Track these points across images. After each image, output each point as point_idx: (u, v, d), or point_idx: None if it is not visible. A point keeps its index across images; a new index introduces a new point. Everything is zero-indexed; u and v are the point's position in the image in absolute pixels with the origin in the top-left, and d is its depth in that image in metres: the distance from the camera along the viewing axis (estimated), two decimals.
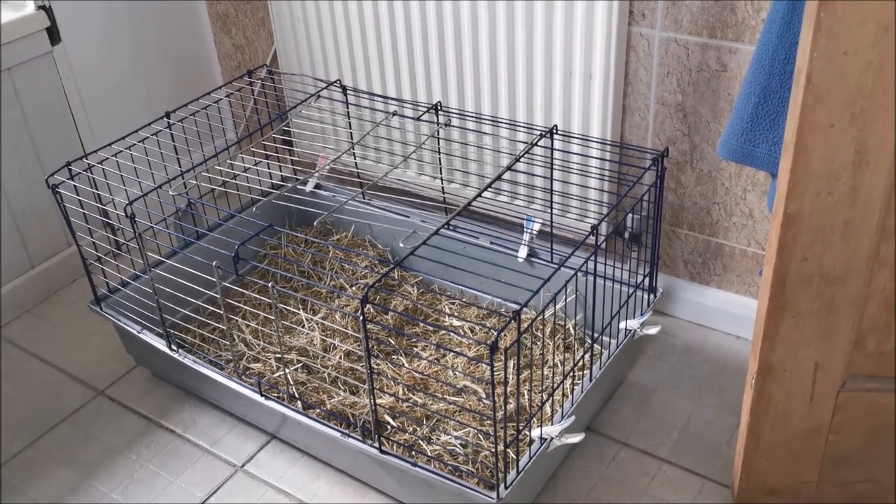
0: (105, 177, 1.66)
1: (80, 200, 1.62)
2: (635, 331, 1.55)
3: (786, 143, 1.09)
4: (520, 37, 1.69)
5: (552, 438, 1.35)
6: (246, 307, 1.72)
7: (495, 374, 1.43)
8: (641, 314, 1.59)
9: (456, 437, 1.47)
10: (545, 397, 1.46)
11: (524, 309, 1.23)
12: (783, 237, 1.13)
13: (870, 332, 1.20)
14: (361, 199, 1.97)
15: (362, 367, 1.64)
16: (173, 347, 1.63)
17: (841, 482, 1.36)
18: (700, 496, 1.49)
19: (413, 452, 1.44)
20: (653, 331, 1.54)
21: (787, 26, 1.17)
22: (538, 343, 1.66)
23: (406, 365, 1.66)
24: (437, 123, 1.75)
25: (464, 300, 1.84)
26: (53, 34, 1.94)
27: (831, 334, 1.21)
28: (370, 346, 1.32)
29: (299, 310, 1.78)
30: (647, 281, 1.63)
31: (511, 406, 1.49)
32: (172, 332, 1.64)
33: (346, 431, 1.44)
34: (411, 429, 1.51)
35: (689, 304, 1.85)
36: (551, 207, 1.69)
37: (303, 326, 1.75)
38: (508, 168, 1.52)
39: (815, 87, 1.02)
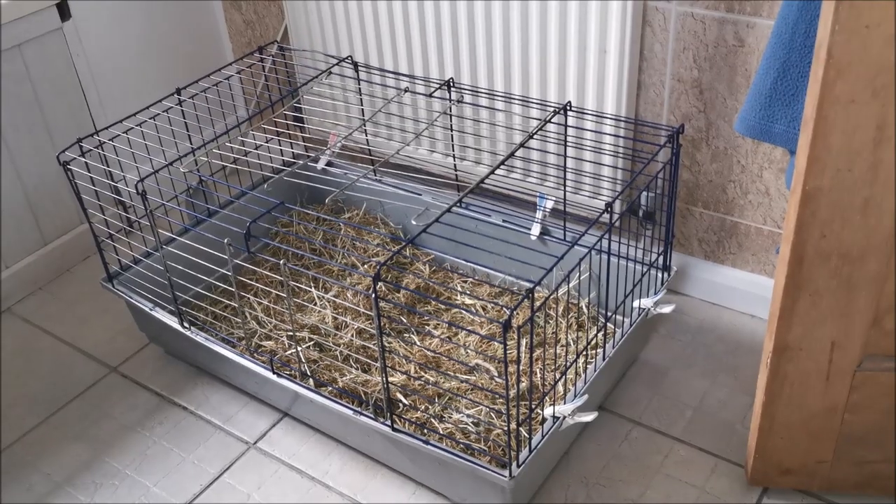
0: (116, 154, 1.65)
1: (91, 177, 1.62)
2: (649, 309, 1.54)
3: (805, 119, 1.07)
4: (533, 11, 1.67)
5: (565, 417, 1.34)
6: (258, 285, 1.71)
7: (508, 352, 1.42)
8: (655, 293, 1.57)
9: (468, 416, 1.47)
10: (558, 376, 1.45)
11: (537, 287, 1.22)
12: (801, 214, 1.12)
13: (888, 311, 1.18)
14: (373, 176, 1.96)
15: (374, 344, 1.64)
16: (185, 325, 1.63)
17: (856, 461, 1.35)
18: (713, 475, 1.49)
19: (425, 430, 1.44)
20: (667, 309, 1.53)
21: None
22: (551, 321, 1.65)
23: (418, 343, 1.65)
24: (450, 100, 1.73)
25: (476, 278, 1.83)
26: (63, 10, 1.92)
27: (849, 313, 1.19)
28: (382, 323, 1.31)
29: (311, 287, 1.77)
30: (661, 259, 1.62)
31: (523, 384, 1.48)
32: (184, 309, 1.64)
33: (359, 409, 1.44)
34: (423, 407, 1.51)
35: (704, 283, 1.84)
36: (564, 185, 1.68)
37: (314, 304, 1.74)
38: (521, 145, 1.50)
39: (837, 62, 1.00)
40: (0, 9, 1.78)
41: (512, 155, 1.49)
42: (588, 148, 1.70)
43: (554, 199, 1.73)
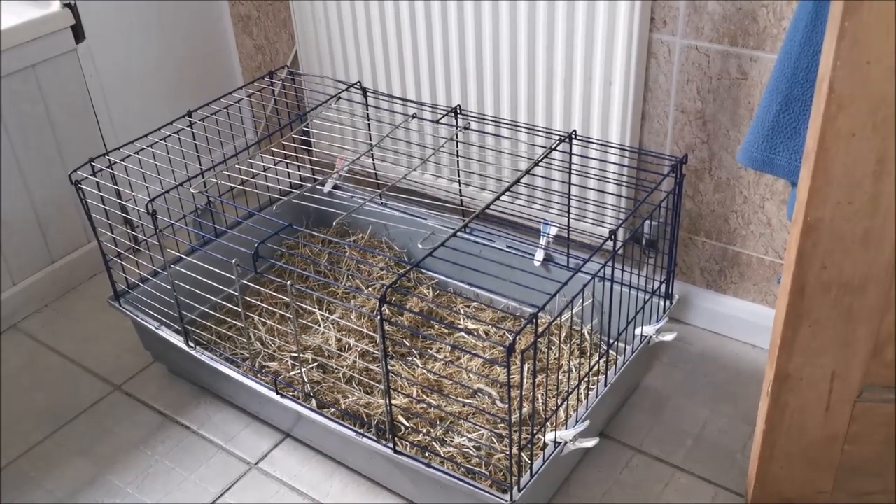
0: (127, 174, 1.67)
1: (101, 196, 1.64)
2: (651, 337, 1.55)
3: (807, 152, 1.09)
4: (540, 41, 1.70)
5: (566, 442, 1.35)
6: (263, 305, 1.73)
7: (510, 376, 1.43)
8: (657, 321, 1.58)
9: (470, 439, 1.48)
10: (559, 401, 1.46)
11: (540, 313, 1.23)
12: (803, 245, 1.13)
13: (888, 342, 1.19)
14: (379, 200, 1.98)
15: (377, 367, 1.65)
16: (190, 344, 1.64)
17: (856, 492, 1.36)
18: None
19: (427, 453, 1.44)
20: (668, 337, 1.54)
21: (811, 34, 1.17)
22: (553, 347, 1.66)
23: (421, 366, 1.66)
24: (456, 127, 1.75)
25: (479, 303, 1.85)
26: (78, 32, 1.96)
27: (849, 343, 1.20)
28: (386, 346, 1.33)
29: (315, 309, 1.78)
30: (663, 287, 1.63)
31: (525, 409, 1.49)
32: (190, 328, 1.65)
33: (361, 431, 1.44)
34: (425, 430, 1.51)
35: (705, 312, 1.85)
36: (568, 212, 1.70)
37: (319, 326, 1.76)
38: (527, 172, 1.52)
39: (838, 96, 1.02)
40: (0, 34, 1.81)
41: (517, 182, 1.50)
42: (592, 176, 1.72)
43: (558, 225, 1.74)
